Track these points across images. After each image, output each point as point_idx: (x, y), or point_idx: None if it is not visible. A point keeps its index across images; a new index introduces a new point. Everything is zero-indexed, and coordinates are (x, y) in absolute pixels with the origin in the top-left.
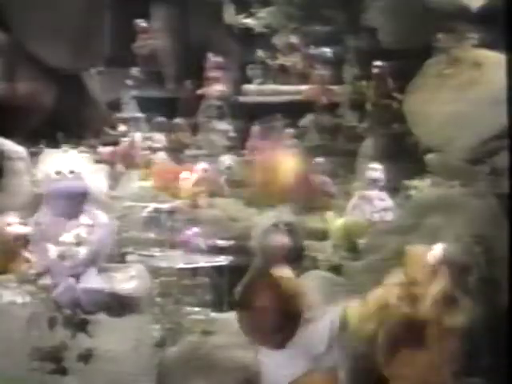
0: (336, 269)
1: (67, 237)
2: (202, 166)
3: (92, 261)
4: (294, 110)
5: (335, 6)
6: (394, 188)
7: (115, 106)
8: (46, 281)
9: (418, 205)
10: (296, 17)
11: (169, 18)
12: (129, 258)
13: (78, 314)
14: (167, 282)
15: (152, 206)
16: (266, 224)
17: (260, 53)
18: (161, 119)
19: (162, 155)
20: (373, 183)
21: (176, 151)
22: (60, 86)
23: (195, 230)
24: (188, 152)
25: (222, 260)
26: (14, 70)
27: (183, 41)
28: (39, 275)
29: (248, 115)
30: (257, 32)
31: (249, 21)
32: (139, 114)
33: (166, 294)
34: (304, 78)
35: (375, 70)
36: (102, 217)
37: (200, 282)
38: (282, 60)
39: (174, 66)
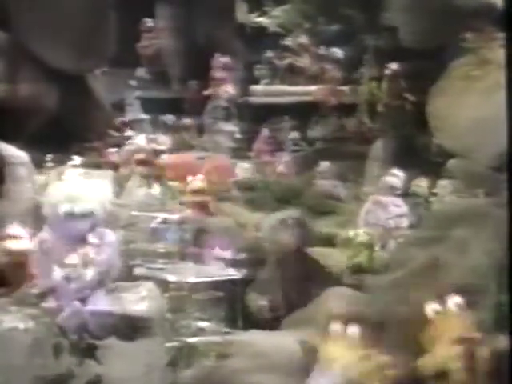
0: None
1: (73, 258)
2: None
3: (100, 282)
4: (302, 112)
5: (354, 5)
6: (405, 193)
7: (119, 107)
8: (51, 304)
9: (444, 215)
10: (312, 16)
11: (174, 18)
12: (137, 270)
13: (86, 339)
14: (178, 296)
15: (161, 216)
16: (273, 220)
17: (268, 53)
18: (165, 120)
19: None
20: (390, 190)
21: (181, 153)
22: (63, 87)
23: (210, 241)
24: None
25: (236, 273)
26: (15, 71)
27: (188, 40)
28: (42, 297)
29: (255, 116)
30: (271, 31)
31: (262, 20)
32: (143, 115)
33: (176, 309)
34: (313, 78)
35: (388, 71)
36: (110, 235)
37: (213, 297)
38: (290, 60)
39: (179, 66)
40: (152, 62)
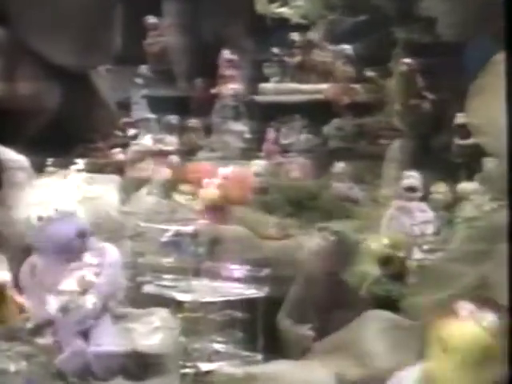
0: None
1: (69, 284)
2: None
3: (103, 309)
4: (313, 110)
5: None
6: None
7: (124, 106)
8: (47, 340)
9: (489, 227)
10: (338, 6)
11: (180, 14)
12: (145, 288)
13: (89, 382)
14: (192, 317)
15: (173, 228)
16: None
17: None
18: (172, 120)
19: (174, 158)
20: (410, 192)
21: (188, 154)
22: (66, 85)
23: (226, 254)
24: (201, 154)
25: (257, 292)
26: (14, 68)
27: (195, 37)
28: (37, 331)
29: (265, 116)
30: (293, 23)
31: (284, 10)
32: (150, 115)
33: (190, 331)
34: (324, 75)
35: (404, 67)
36: (112, 252)
37: (230, 318)
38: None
39: (186, 64)
40: (158, 59)
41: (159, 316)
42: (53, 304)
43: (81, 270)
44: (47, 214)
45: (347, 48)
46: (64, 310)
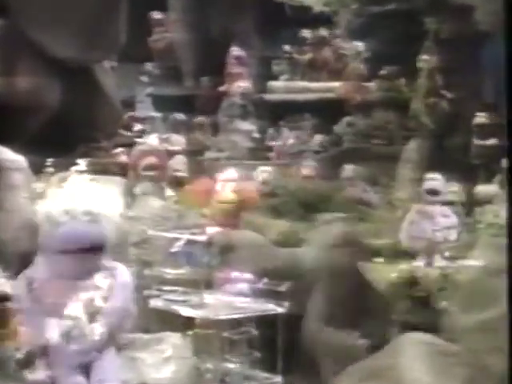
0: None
1: (75, 309)
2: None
3: (110, 339)
4: (324, 109)
5: None
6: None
7: (129, 104)
8: (38, 375)
9: None
10: None
11: (187, 9)
12: (152, 302)
13: None
14: (204, 335)
15: (184, 237)
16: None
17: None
18: (178, 119)
19: (180, 158)
20: (431, 195)
21: (195, 154)
22: (67, 81)
23: (240, 263)
24: (208, 154)
25: (276, 306)
26: (12, 62)
27: (202, 33)
28: (27, 362)
29: (273, 115)
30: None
31: None
32: (155, 113)
33: (202, 350)
34: (336, 74)
35: (423, 64)
36: (123, 272)
37: (246, 335)
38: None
39: (193, 61)
40: (163, 56)
41: (170, 343)
42: (53, 329)
43: (89, 291)
44: (75, 209)
45: (360, 45)
46: (67, 337)
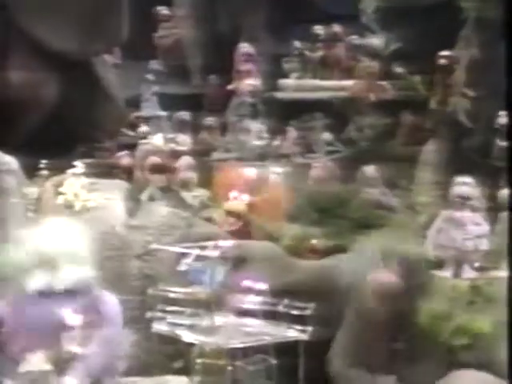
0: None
1: (37, 360)
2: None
3: None
4: (337, 108)
5: None
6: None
7: (134, 103)
8: None
9: None
10: None
11: (194, 4)
12: (156, 326)
13: None
14: (214, 365)
15: (194, 252)
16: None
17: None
18: (185, 118)
19: (187, 159)
20: (462, 201)
21: (202, 154)
22: (65, 75)
23: (254, 277)
24: (216, 155)
25: (297, 332)
26: (5, 55)
27: (210, 29)
28: None
29: (284, 114)
30: None
31: None
32: (161, 113)
33: (211, 382)
34: (348, 71)
35: (442, 61)
36: (109, 302)
37: (263, 365)
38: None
39: (200, 58)
40: (170, 53)
41: None
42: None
43: (61, 334)
44: (50, 287)
45: (374, 41)
46: None
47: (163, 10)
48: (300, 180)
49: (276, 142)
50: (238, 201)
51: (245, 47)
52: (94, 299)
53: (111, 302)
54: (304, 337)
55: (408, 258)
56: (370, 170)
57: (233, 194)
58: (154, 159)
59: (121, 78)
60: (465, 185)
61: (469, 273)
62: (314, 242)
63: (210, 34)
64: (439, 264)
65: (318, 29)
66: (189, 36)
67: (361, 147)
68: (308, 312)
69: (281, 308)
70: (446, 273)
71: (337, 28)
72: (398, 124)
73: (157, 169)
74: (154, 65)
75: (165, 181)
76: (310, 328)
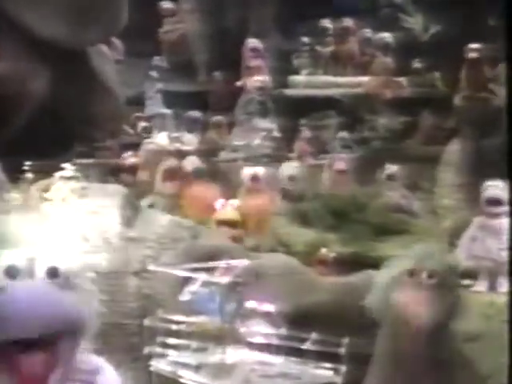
0: None
1: None
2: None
3: None
4: (350, 106)
5: None
6: None
7: (137, 101)
8: None
9: None
10: None
11: None
12: (155, 365)
13: None
14: None
15: (200, 277)
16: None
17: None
18: (191, 116)
19: (192, 160)
20: (494, 206)
21: (209, 154)
22: (57, 66)
23: (267, 299)
24: (224, 155)
25: (328, 373)
26: None
27: (217, 24)
28: None
29: (295, 112)
30: None
31: None
32: (165, 110)
33: None
34: (362, 67)
35: (471, 55)
36: (108, 378)
37: None
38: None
39: (207, 55)
40: (175, 49)
41: None
42: None
43: None
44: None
45: (388, 36)
46: None
47: (167, 4)
48: (314, 181)
49: (287, 142)
50: (229, 208)
51: (253, 42)
52: (91, 373)
53: (111, 377)
54: (337, 380)
55: (445, 272)
56: (389, 171)
57: (219, 201)
58: (169, 164)
59: (123, 75)
60: (496, 188)
61: (504, 286)
62: (323, 251)
63: (216, 29)
64: (470, 276)
65: (326, 22)
66: (194, 31)
67: (376, 147)
68: (342, 349)
69: (309, 345)
70: (480, 287)
71: (348, 22)
72: (416, 122)
73: (170, 176)
74: (158, 61)
75: (177, 189)
76: (343, 367)
